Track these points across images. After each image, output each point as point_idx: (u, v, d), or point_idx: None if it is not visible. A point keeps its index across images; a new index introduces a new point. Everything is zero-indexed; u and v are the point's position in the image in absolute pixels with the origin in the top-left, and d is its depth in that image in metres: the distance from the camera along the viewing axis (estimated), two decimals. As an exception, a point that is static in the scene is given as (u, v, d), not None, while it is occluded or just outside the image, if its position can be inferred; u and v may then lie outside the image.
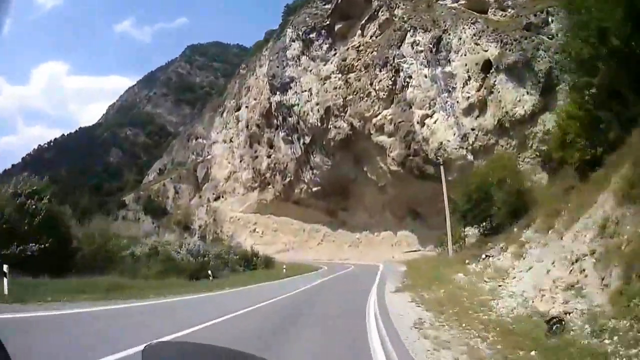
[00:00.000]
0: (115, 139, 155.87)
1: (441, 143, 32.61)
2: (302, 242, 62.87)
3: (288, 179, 62.11)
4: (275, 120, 63.78)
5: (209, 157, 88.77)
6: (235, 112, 79.38)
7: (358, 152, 44.93)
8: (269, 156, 66.82)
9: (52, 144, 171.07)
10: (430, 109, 34.08)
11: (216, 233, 76.96)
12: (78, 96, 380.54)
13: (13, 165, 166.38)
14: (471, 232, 28.09)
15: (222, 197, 79.96)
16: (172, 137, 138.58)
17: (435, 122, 33.47)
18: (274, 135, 64.86)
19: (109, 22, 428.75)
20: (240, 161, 75.37)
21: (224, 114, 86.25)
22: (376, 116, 39.35)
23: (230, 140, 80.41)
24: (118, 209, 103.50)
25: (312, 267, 38.02)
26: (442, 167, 29.39)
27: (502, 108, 29.12)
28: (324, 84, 49.68)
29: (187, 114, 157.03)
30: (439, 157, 31.48)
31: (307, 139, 54.76)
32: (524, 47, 27.91)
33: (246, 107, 75.07)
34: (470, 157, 31.75)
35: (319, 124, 50.44)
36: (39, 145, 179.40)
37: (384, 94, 38.71)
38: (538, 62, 27.27)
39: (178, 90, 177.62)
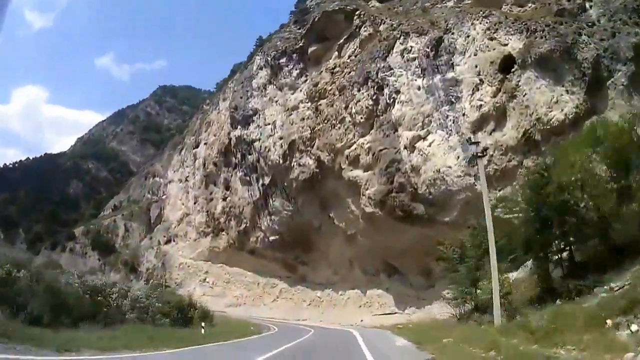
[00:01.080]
0: (77, 170, 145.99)
1: (438, 171, 24.57)
2: (256, 297, 53.07)
3: (243, 226, 53.05)
4: (233, 158, 55.34)
5: (163, 197, 78.90)
6: (194, 149, 70.42)
7: (325, 194, 36.67)
8: (224, 199, 57.77)
9: (16, 164, 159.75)
10: (423, 128, 26.28)
11: (163, 278, 66.25)
12: (53, 126, 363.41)
13: None
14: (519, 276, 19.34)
15: (174, 240, 69.71)
16: (133, 175, 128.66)
17: (430, 145, 25.60)
18: (231, 176, 56.18)
19: (91, 54, 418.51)
20: (195, 203, 65.84)
21: (182, 152, 77.11)
22: (350, 146, 31.39)
23: (186, 180, 71.09)
24: (67, 240, 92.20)
25: (256, 328, 28.79)
26: (480, 161, 18.36)
27: (531, 115, 21.96)
28: (290, 114, 41.85)
29: (150, 154, 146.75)
30: (432, 193, 23.58)
31: (267, 180, 46.37)
32: (560, 32, 20.63)
33: (205, 143, 66.22)
34: (478, 185, 23.23)
35: (281, 161, 42.21)
36: (4, 164, 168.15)
37: (361, 118, 30.96)
38: (582, 49, 19.81)
39: (145, 129, 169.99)
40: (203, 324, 22.73)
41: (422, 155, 25.61)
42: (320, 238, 41.87)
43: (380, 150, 28.40)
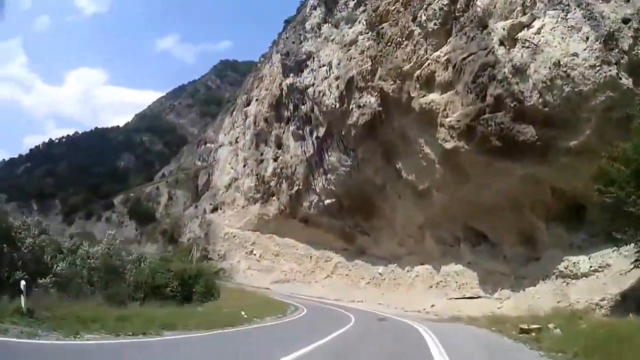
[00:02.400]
0: (129, 143, 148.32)
1: (557, 65, 17.52)
2: (307, 273, 48.15)
3: (296, 188, 48.12)
4: (285, 112, 50.38)
5: (213, 162, 76.06)
6: (245, 108, 66.33)
7: (389, 139, 30.41)
8: (275, 159, 53.16)
9: (63, 139, 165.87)
10: (525, 13, 19.00)
11: (206, 250, 63.47)
12: (112, 106, 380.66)
13: (20, 155, 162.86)
14: None
15: (220, 208, 66.42)
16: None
17: (539, 33, 18.55)
18: (283, 132, 51.32)
19: (152, 36, 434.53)
20: (244, 166, 61.86)
21: (234, 113, 73.39)
22: (421, 65, 24.76)
23: (236, 141, 67.21)
24: (104, 210, 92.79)
25: (274, 311, 24.10)
26: None
27: None
28: (348, 50, 35.79)
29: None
30: (548, 102, 17.02)
31: (322, 131, 40.86)
32: None
33: (256, 100, 61.75)
34: (627, 79, 16.30)
35: (337, 106, 36.42)
36: (50, 139, 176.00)
37: (435, 24, 24.07)
38: None
39: (204, 102, 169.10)
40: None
41: (528, 48, 18.23)
42: (384, 200, 35.91)
43: (464, 58, 21.69)
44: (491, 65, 19.86)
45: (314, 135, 42.77)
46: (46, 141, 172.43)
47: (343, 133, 36.95)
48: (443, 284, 30.04)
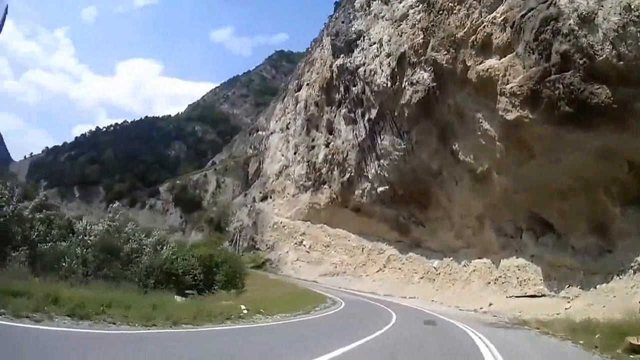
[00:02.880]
0: (180, 132, 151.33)
1: (628, 8, 14.66)
2: (358, 266, 46.38)
3: (348, 175, 46.45)
4: (336, 94, 48.60)
5: (263, 149, 75.61)
6: (296, 93, 65.25)
7: (444, 118, 27.86)
8: (327, 144, 51.63)
9: (110, 128, 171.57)
10: None
11: (253, 240, 63.00)
12: (164, 98, 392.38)
13: (65, 143, 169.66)
14: None
15: (270, 197, 65.71)
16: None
17: None
18: (334, 115, 49.59)
19: (206, 28, 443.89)
20: (295, 153, 60.81)
21: (285, 99, 72.55)
22: (476, 29, 22.29)
23: (287, 127, 66.24)
24: (149, 197, 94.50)
25: (305, 305, 21.51)
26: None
27: None
28: (399, 25, 33.41)
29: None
30: (623, 55, 14.33)
31: (374, 113, 38.81)
32: None
33: (307, 84, 60.45)
34: None
35: (389, 84, 34.22)
36: (97, 127, 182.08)
37: None
38: None
39: (259, 92, 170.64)
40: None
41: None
42: (440, 188, 33.46)
43: (523, 15, 18.92)
44: (554, 18, 17.08)
45: (366, 118, 40.84)
46: (93, 129, 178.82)
47: (396, 114, 34.77)
48: (502, 279, 27.39)
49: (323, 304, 24.29)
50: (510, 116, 19.12)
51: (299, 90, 64.32)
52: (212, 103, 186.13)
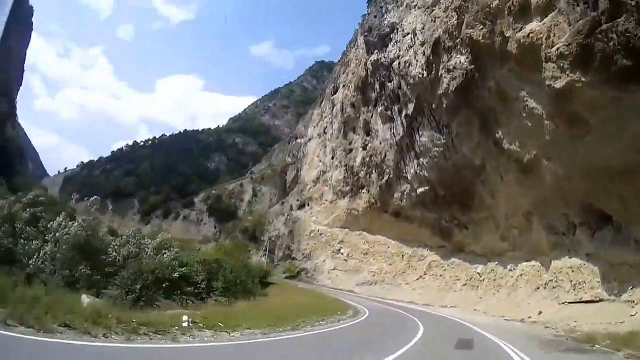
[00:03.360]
0: (220, 144, 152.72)
1: None
2: (398, 274, 44.29)
3: (386, 178, 44.72)
4: (372, 93, 47.09)
5: (301, 156, 74.74)
6: (332, 96, 64.38)
7: (485, 105, 25.88)
8: (364, 147, 50.19)
9: (148, 142, 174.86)
10: None
11: (289, 249, 61.84)
12: (206, 114, 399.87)
13: (101, 157, 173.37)
14: None
15: (308, 205, 64.53)
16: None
17: None
18: (371, 115, 48.04)
19: (246, 43, 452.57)
20: (332, 158, 59.59)
21: (322, 103, 71.68)
22: None
23: (324, 132, 65.29)
24: (183, 208, 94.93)
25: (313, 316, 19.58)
26: None
27: None
28: (432, 11, 31.77)
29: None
30: None
31: (411, 108, 37.00)
32: None
33: (343, 86, 59.44)
34: None
35: (425, 74, 32.29)
36: (134, 141, 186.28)
37: None
38: None
39: (300, 103, 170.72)
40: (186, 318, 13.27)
41: None
42: (483, 186, 31.13)
43: None
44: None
45: (403, 114, 39.11)
46: (130, 144, 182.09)
47: (434, 106, 32.92)
48: (553, 284, 24.84)
49: (338, 316, 22.16)
50: (559, 84, 16.96)
51: (335, 93, 63.46)
52: (254, 115, 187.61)
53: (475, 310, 29.34)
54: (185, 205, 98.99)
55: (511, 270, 29.81)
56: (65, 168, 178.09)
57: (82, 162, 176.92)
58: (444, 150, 33.65)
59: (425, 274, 40.87)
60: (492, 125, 26.30)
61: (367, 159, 49.11)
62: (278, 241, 66.46)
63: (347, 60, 61.17)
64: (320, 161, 64.44)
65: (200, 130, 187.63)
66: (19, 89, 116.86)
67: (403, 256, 44.80)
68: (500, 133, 25.37)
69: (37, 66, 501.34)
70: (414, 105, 36.49)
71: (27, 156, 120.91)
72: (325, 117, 66.15)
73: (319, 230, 58.80)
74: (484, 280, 33.15)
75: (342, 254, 53.21)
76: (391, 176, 43.95)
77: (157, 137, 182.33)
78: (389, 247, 47.32)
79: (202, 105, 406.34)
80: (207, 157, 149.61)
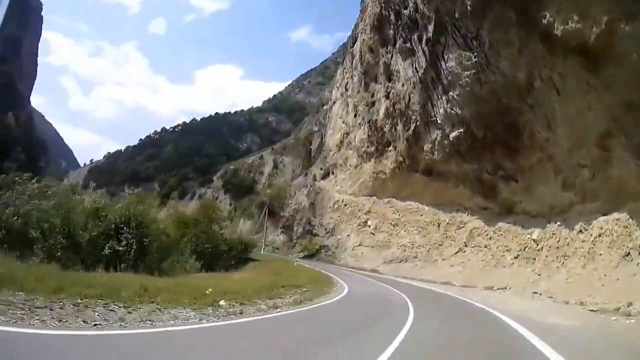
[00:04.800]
0: (252, 125, 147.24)
1: None
2: (433, 247, 36.06)
3: (413, 126, 36.43)
4: (389, 30, 39.75)
5: (325, 122, 66.82)
6: (351, 48, 57.50)
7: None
8: (387, 95, 41.98)
9: (179, 127, 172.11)
10: None
11: (310, 224, 54.39)
12: (247, 101, 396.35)
13: (128, 147, 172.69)
14: None
15: (332, 172, 56.82)
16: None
17: None
18: (391, 56, 40.25)
19: (284, 29, 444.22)
20: (355, 115, 51.56)
21: (344, 61, 64.01)
22: None
23: (345, 89, 57.51)
24: (200, 186, 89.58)
25: None
26: None
27: None
28: None
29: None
30: None
31: (431, 29, 28.61)
32: None
33: (360, 34, 51.93)
34: None
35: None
36: (162, 127, 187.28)
37: None
38: None
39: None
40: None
41: None
42: (533, 112, 22.05)
43: None
44: None
45: (424, 41, 30.84)
46: (159, 129, 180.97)
47: (457, 15, 24.52)
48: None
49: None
50: None
51: (354, 45, 55.93)
52: (288, 94, 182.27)
53: (535, 293, 20.70)
54: (202, 183, 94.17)
55: (582, 231, 20.92)
56: (91, 160, 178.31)
57: (109, 152, 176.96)
58: (477, 72, 25.24)
59: (466, 246, 32.55)
60: (534, 10, 17.59)
61: (391, 109, 41.04)
62: (297, 215, 59.11)
63: (364, 6, 53.09)
64: (343, 122, 56.56)
65: (231, 112, 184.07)
66: (32, 83, 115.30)
67: (439, 224, 36.54)
68: (548, 15, 16.67)
69: (69, 67, 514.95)
70: (433, 23, 28.14)
71: (50, 151, 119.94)
72: (346, 73, 58.37)
73: (343, 201, 51.15)
74: (541, 248, 24.55)
75: (369, 226, 45.39)
76: (418, 123, 35.73)
77: (187, 122, 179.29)
78: (421, 215, 39.13)
79: (242, 93, 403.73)
80: (238, 137, 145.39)
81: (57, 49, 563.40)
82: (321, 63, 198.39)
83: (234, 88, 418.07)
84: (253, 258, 40.44)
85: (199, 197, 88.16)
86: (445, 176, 35.00)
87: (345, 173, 53.29)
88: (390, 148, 42.64)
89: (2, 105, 76.62)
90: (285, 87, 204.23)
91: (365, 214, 46.78)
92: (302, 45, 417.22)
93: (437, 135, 33.18)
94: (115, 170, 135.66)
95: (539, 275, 23.36)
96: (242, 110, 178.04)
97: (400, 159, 40.59)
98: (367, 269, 39.50)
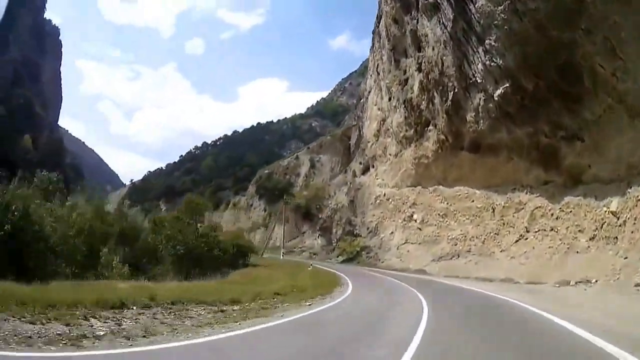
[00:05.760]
0: (295, 132, 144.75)
1: None
2: (488, 237, 30.27)
3: (451, 95, 31.22)
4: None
5: (362, 113, 61.87)
6: (377, 28, 53.15)
7: None
8: (419, 67, 36.88)
9: (220, 140, 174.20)
10: None
11: (350, 224, 49.37)
12: (293, 113, 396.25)
13: (168, 164, 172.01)
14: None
15: (372, 166, 51.66)
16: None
17: None
18: (417, 22, 35.90)
19: (322, 37, 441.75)
20: (389, 99, 46.34)
21: (373, 46, 59.00)
22: None
23: (377, 73, 52.49)
24: (235, 195, 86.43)
25: None
26: None
27: None
28: None
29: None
30: None
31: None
32: None
33: (384, 8, 47.59)
34: None
35: None
36: (203, 142, 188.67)
37: None
38: None
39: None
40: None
41: None
42: (593, 44, 16.86)
43: None
44: None
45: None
46: (199, 144, 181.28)
47: None
48: None
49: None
50: None
51: (379, 24, 51.47)
52: (330, 99, 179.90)
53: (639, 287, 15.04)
54: (236, 192, 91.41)
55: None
56: (131, 180, 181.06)
57: (149, 171, 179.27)
58: (511, 1, 19.74)
59: (527, 231, 26.77)
60: None
61: (425, 81, 35.95)
62: (335, 216, 54.11)
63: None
64: (379, 109, 51.47)
65: (273, 121, 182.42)
66: (57, 108, 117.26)
67: (493, 210, 30.83)
68: None
69: (105, 93, 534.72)
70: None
71: (93, 176, 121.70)
72: (376, 56, 53.54)
73: (385, 195, 46.02)
74: (624, 223, 18.76)
75: (415, 220, 40.03)
76: (456, 90, 30.42)
77: (229, 134, 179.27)
78: (473, 201, 33.46)
79: (287, 104, 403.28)
80: (282, 145, 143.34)
81: (90, 76, 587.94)
82: (361, 64, 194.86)
83: (278, 101, 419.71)
84: (253, 264, 36.71)
85: (233, 205, 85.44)
86: (495, 149, 29.35)
87: (385, 164, 48.09)
88: (430, 127, 37.35)
89: (17, 128, 76.61)
90: (328, 93, 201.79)
91: (410, 207, 41.41)
92: (342, 52, 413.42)
93: (480, 99, 27.70)
94: (150, 187, 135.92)
95: (625, 258, 17.62)
96: (285, 118, 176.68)
97: (442, 137, 35.21)
98: (412, 269, 34.26)
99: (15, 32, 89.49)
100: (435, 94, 34.46)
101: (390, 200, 44.78)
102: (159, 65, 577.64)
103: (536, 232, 25.94)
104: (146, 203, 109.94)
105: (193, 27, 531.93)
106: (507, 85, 24.07)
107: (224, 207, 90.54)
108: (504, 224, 29.38)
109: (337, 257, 48.07)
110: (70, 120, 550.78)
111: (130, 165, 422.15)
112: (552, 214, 24.91)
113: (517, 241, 27.38)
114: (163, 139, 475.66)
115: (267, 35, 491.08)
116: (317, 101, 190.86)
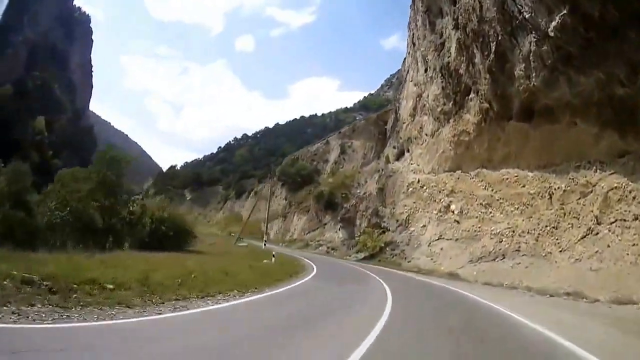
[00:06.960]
0: (338, 125, 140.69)
1: None
2: (543, 233, 22.95)
3: (494, 45, 24.35)
4: None
5: (399, 96, 54.99)
6: None
7: None
8: (455, 24, 30.31)
9: (260, 132, 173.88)
10: None
11: (377, 215, 42.56)
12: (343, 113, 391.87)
13: (205, 156, 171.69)
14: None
15: (407, 150, 44.61)
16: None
17: None
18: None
19: (375, 38, 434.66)
20: (426, 70, 39.29)
21: (410, 20, 52.28)
22: None
23: (413, 44, 45.39)
24: (258, 182, 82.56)
25: None
26: None
27: None
28: None
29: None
30: None
31: None
32: None
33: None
34: None
35: None
36: (244, 134, 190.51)
37: None
38: None
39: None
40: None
41: None
42: None
43: None
44: None
45: None
46: (239, 136, 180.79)
47: None
48: None
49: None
50: None
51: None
52: (377, 94, 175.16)
53: None
54: (260, 179, 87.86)
55: None
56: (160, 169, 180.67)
57: (186, 162, 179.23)
58: None
59: (599, 223, 19.57)
60: None
61: (463, 36, 29.07)
62: (361, 205, 47.25)
63: None
64: (415, 84, 44.45)
65: (317, 114, 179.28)
66: (86, 95, 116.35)
67: (550, 195, 23.45)
68: None
69: (151, 88, 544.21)
70: None
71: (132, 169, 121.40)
72: (412, 24, 46.49)
73: (419, 181, 39.04)
74: None
75: (452, 211, 32.93)
76: (500, 38, 23.49)
77: (270, 126, 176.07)
78: (523, 186, 26.11)
79: (339, 104, 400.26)
80: (322, 138, 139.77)
81: (136, 72, 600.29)
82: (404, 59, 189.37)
83: (329, 99, 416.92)
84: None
85: (255, 193, 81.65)
86: (552, 113, 22.36)
87: (421, 147, 41.05)
88: (471, 95, 30.41)
89: (30, 109, 74.22)
90: (376, 90, 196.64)
91: (447, 195, 34.31)
92: (394, 51, 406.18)
93: (530, 42, 20.71)
94: (176, 175, 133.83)
95: None
96: (330, 112, 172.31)
97: (486, 105, 28.17)
98: (442, 271, 27.47)
99: (32, 14, 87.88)
100: (475, 50, 27.54)
101: (425, 187, 37.75)
102: (208, 62, 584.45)
103: (612, 223, 18.70)
104: (171, 192, 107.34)
105: (242, 23, 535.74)
106: (565, 12, 16.97)
107: (247, 196, 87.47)
108: (564, 214, 22.04)
109: (357, 253, 41.37)
110: (117, 115, 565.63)
111: (175, 160, 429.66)
112: (634, 197, 17.69)
113: (584, 237, 20.10)
114: (210, 135, 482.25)
115: (318, 33, 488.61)
116: (365, 97, 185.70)
